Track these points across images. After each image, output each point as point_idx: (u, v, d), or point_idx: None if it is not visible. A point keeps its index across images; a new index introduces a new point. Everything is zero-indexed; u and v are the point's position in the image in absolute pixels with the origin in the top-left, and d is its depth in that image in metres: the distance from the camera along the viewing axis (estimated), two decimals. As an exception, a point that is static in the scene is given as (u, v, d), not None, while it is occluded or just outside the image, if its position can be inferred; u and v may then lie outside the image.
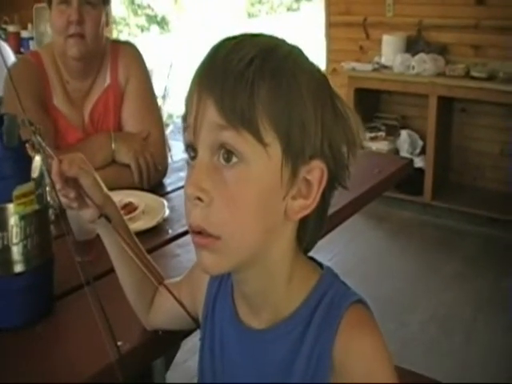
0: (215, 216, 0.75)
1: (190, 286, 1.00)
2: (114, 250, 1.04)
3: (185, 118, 0.79)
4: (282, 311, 0.84)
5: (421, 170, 4.27)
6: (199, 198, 0.75)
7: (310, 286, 0.84)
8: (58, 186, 0.95)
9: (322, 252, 3.55)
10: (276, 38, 0.80)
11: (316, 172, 0.77)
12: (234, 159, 0.74)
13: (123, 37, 14.92)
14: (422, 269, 3.61)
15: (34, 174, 1.04)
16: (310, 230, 0.84)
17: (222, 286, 0.93)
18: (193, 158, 0.78)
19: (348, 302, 0.81)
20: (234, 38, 0.78)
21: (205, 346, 0.94)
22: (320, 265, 0.88)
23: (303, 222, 0.82)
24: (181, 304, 0.98)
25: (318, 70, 0.81)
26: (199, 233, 0.77)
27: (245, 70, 0.73)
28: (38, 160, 1.04)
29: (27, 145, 1.04)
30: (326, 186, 0.79)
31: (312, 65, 0.80)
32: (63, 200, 0.97)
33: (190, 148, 0.78)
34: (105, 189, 1.01)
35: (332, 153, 0.79)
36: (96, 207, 0.98)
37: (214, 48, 0.78)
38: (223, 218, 0.75)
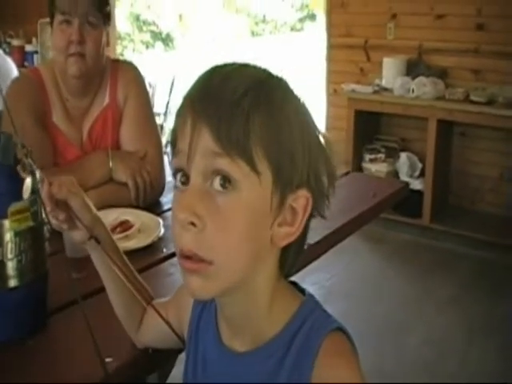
0: (208, 241, 0.76)
1: (177, 307, 1.01)
2: (104, 271, 1.06)
3: (174, 142, 0.80)
4: (264, 335, 0.85)
5: (420, 193, 4.28)
6: (193, 223, 0.76)
7: (291, 312, 0.85)
8: (48, 208, 0.98)
9: (320, 273, 3.60)
10: (264, 70, 0.82)
11: (301, 200, 0.80)
12: (228, 186, 0.75)
13: (128, 53, 15.02)
14: (418, 291, 3.61)
15: (25, 194, 1.06)
16: (291, 255, 0.86)
17: (205, 308, 0.95)
18: (183, 183, 0.79)
19: (327, 329, 0.82)
20: (226, 65, 0.80)
21: (188, 367, 0.95)
22: (302, 290, 0.89)
23: (285, 249, 0.84)
24: (167, 323, 1.00)
25: (303, 103, 0.83)
26: (189, 257, 0.77)
27: (241, 100, 0.75)
28: (28, 181, 1.05)
29: (18, 166, 1.06)
30: (308, 214, 0.81)
31: (297, 98, 0.82)
32: (53, 222, 1.00)
33: (181, 173, 0.79)
34: (94, 210, 1.03)
35: (316, 182, 0.81)
36: (85, 229, 1.00)
37: (206, 75, 0.79)
38: (216, 243, 0.76)
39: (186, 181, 0.79)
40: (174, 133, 0.80)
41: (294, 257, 0.87)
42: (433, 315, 3.34)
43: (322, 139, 0.83)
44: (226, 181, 0.75)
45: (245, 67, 0.81)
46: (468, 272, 3.84)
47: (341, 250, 3.56)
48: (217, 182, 0.76)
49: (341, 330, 0.84)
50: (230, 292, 0.82)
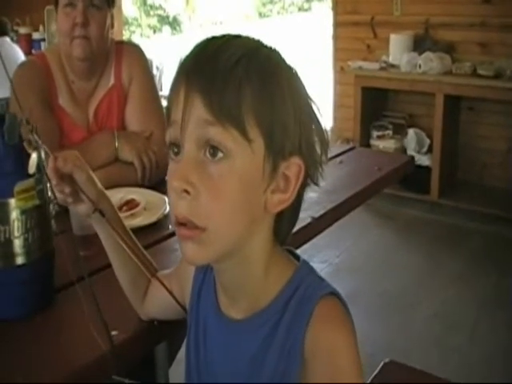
0: (202, 208, 0.78)
1: (179, 278, 1.04)
2: (109, 244, 1.08)
3: (169, 114, 0.82)
4: (259, 302, 0.87)
5: (428, 169, 4.28)
6: (186, 191, 0.78)
7: (285, 278, 0.87)
8: (53, 182, 1.00)
9: (329, 250, 3.62)
10: (256, 40, 0.84)
11: (294, 168, 0.81)
12: (220, 154, 0.77)
13: (136, 37, 14.99)
14: (427, 266, 3.62)
15: (31, 170, 1.08)
16: (285, 223, 0.88)
17: (206, 277, 0.97)
18: (176, 153, 0.81)
19: (320, 294, 0.84)
20: (219, 37, 0.82)
21: (190, 336, 0.98)
22: (298, 258, 0.91)
23: (279, 216, 0.86)
24: (171, 293, 1.02)
25: (296, 72, 0.84)
26: (184, 224, 0.79)
27: (233, 69, 0.77)
28: (34, 157, 1.07)
29: (24, 143, 1.08)
30: (302, 182, 0.83)
31: (290, 67, 0.84)
32: (59, 195, 1.02)
33: (174, 144, 0.81)
34: (99, 184, 1.05)
35: (308, 150, 0.83)
36: (90, 202, 1.02)
37: (200, 46, 0.81)
38: (209, 210, 0.78)
39: (178, 151, 0.81)
40: (169, 104, 0.82)
41: (288, 224, 0.89)
42: (441, 290, 3.35)
43: (314, 107, 0.85)
44: (219, 149, 0.77)
45: (238, 38, 0.83)
46: (476, 247, 3.84)
47: (349, 227, 3.60)
48: (210, 150, 0.77)
49: (334, 294, 0.85)
50: (224, 258, 0.84)
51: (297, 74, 0.84)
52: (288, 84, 0.81)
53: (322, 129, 0.85)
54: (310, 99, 0.85)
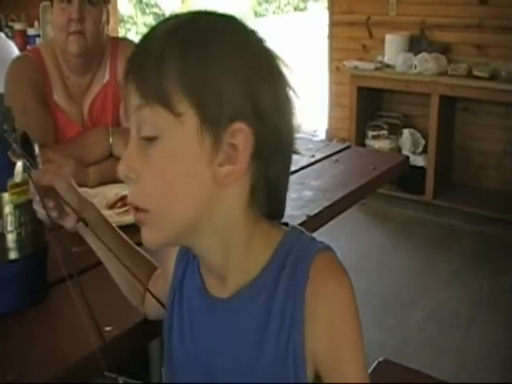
0: (142, 191, 0.79)
1: (164, 273, 1.02)
2: (100, 251, 1.06)
3: None
4: (247, 275, 0.85)
5: (423, 169, 4.28)
6: (129, 177, 0.79)
7: (273, 245, 0.85)
8: (36, 199, 0.98)
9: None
10: (209, 12, 0.82)
11: (240, 135, 0.77)
12: (153, 135, 0.77)
13: (131, 35, 14.96)
14: (421, 267, 3.63)
15: (17, 178, 1.06)
16: (260, 194, 0.82)
17: (189, 265, 0.95)
18: None
19: (314, 251, 0.83)
20: (168, 18, 0.82)
21: (173, 326, 0.95)
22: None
23: (252, 188, 0.82)
24: (147, 290, 1.01)
25: (255, 39, 0.82)
26: (136, 209, 0.80)
27: (156, 46, 0.77)
28: (19, 165, 1.06)
29: (9, 152, 1.06)
30: (265, 150, 0.79)
31: (244, 31, 0.82)
32: (41, 211, 1.00)
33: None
34: (81, 193, 1.03)
35: (257, 115, 0.78)
36: (74, 212, 1.00)
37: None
38: (149, 193, 0.79)
39: None
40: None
41: (265, 195, 0.83)
42: (436, 290, 3.36)
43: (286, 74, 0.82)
44: (150, 131, 0.77)
45: (184, 15, 0.81)
46: (471, 247, 3.85)
47: (344, 227, 3.59)
48: (144, 133, 0.78)
49: (328, 249, 0.85)
50: (187, 238, 0.84)
51: (254, 40, 0.81)
52: (230, 48, 0.78)
53: (286, 94, 0.82)
54: (274, 58, 0.82)
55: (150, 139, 0.77)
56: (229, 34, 0.80)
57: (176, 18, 0.81)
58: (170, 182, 0.78)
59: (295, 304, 0.82)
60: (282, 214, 0.89)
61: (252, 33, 0.82)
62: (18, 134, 1.05)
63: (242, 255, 0.85)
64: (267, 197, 0.83)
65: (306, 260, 0.82)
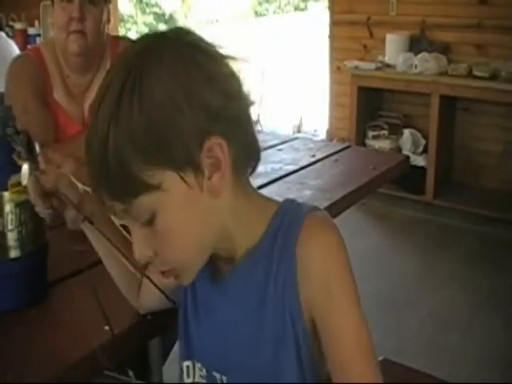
0: (164, 259, 0.85)
1: None
2: (99, 245, 1.08)
3: None
4: (247, 248, 0.89)
5: (423, 169, 4.28)
6: (149, 257, 0.86)
7: (268, 217, 0.89)
8: (39, 202, 1.00)
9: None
10: (138, 44, 0.84)
11: (214, 149, 0.80)
12: (149, 218, 0.81)
13: (132, 35, 14.98)
14: (421, 266, 3.63)
15: (24, 181, 1.07)
16: (243, 159, 0.86)
17: None
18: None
19: (303, 211, 0.87)
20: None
21: (188, 315, 0.98)
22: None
23: (234, 165, 0.83)
24: (146, 276, 1.01)
25: (186, 51, 0.81)
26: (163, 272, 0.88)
27: (100, 147, 0.78)
28: (26, 168, 1.06)
29: (14, 155, 1.06)
30: (234, 135, 0.82)
31: (177, 52, 0.80)
32: (46, 212, 1.02)
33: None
34: (81, 186, 1.04)
35: (215, 118, 0.79)
36: (76, 209, 1.01)
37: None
38: (171, 257, 0.85)
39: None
40: None
41: (244, 155, 0.86)
42: (435, 290, 3.35)
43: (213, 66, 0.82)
44: (145, 215, 0.81)
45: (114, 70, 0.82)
46: (471, 247, 3.85)
47: (344, 226, 3.58)
48: (142, 220, 0.82)
49: (317, 209, 0.89)
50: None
51: (181, 68, 0.79)
52: (163, 80, 0.78)
53: (231, 80, 0.83)
54: (207, 57, 0.82)
55: (150, 219, 0.81)
56: (154, 66, 0.79)
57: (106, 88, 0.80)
58: (183, 238, 0.84)
59: (288, 261, 0.85)
60: (259, 151, 0.91)
61: (184, 45, 0.82)
62: (23, 137, 1.05)
63: (243, 233, 0.89)
64: (245, 154, 0.87)
65: (297, 221, 0.86)
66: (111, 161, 0.77)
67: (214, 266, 0.94)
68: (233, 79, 0.83)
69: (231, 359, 0.92)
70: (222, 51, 0.84)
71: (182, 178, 0.79)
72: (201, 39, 0.84)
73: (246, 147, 0.86)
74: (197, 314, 0.97)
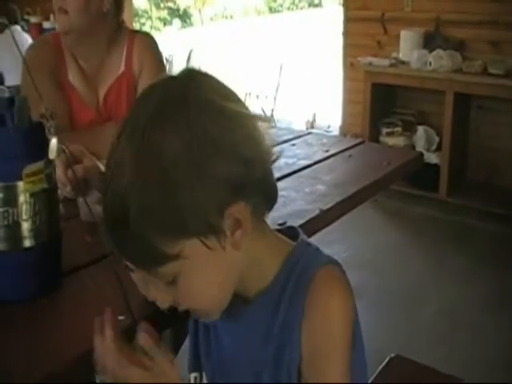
0: (187, 306, 0.88)
1: None
2: None
3: None
4: (260, 288, 0.90)
5: (437, 167, 4.27)
6: (169, 304, 0.88)
7: (282, 258, 0.90)
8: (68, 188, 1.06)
9: (337, 244, 3.60)
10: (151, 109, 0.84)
11: (235, 213, 0.81)
12: (173, 278, 0.83)
13: (146, 30, 15.01)
14: (433, 263, 3.61)
15: (51, 155, 1.07)
16: (263, 208, 0.88)
17: None
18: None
19: (318, 264, 0.87)
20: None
21: (199, 334, 1.02)
22: (297, 233, 0.94)
23: (253, 215, 0.84)
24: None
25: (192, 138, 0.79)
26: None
27: (123, 220, 0.79)
28: (54, 142, 1.07)
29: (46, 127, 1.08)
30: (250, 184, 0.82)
31: (186, 112, 0.80)
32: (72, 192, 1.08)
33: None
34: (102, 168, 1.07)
35: (234, 188, 0.80)
36: (99, 192, 1.02)
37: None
38: (192, 304, 0.88)
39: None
40: None
41: (266, 202, 0.89)
42: (448, 287, 3.34)
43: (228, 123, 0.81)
44: (168, 277, 0.83)
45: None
46: (484, 245, 3.83)
47: (357, 223, 3.59)
48: (165, 280, 0.84)
49: (332, 263, 0.89)
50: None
51: (193, 141, 0.78)
52: (172, 163, 0.78)
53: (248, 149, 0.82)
54: (223, 111, 0.81)
55: (172, 281, 0.83)
56: (167, 141, 0.79)
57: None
58: (206, 292, 0.86)
59: (296, 309, 0.86)
60: (276, 191, 0.91)
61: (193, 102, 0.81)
62: (51, 114, 1.06)
63: (256, 275, 0.90)
64: (265, 200, 0.88)
65: (310, 272, 0.86)
66: (132, 236, 0.79)
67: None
68: (251, 142, 0.82)
69: (235, 380, 0.96)
70: (237, 106, 0.83)
71: (203, 243, 0.80)
72: (211, 90, 0.82)
73: (266, 193, 0.87)
74: (207, 336, 1.00)
